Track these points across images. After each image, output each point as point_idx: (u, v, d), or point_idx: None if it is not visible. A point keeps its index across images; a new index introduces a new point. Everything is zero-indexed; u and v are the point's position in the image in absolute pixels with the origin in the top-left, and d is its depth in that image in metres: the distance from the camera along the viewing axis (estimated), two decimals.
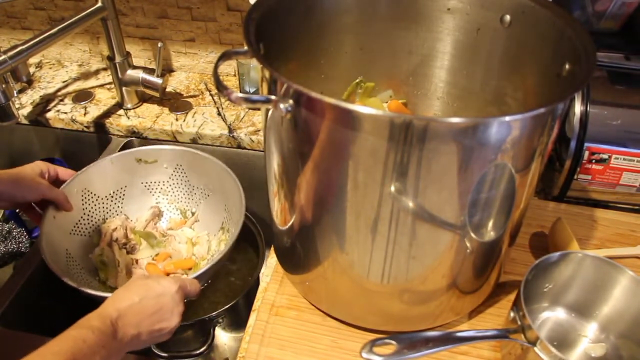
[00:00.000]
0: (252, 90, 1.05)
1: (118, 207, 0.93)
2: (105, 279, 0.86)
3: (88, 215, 0.89)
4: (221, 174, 0.87)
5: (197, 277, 0.72)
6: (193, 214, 0.96)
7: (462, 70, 0.72)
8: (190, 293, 0.67)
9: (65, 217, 0.84)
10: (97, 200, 0.90)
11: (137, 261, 0.89)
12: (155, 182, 0.95)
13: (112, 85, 1.14)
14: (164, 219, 0.96)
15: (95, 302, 0.62)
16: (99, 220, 0.91)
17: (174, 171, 0.94)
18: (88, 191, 0.88)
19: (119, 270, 0.86)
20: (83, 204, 0.88)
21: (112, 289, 0.85)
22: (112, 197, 0.92)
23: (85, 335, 0.53)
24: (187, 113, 1.07)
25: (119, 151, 1.01)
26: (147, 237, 0.91)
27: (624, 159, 0.78)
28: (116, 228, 0.90)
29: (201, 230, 0.94)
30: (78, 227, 0.87)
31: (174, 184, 0.95)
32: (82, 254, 0.86)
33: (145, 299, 0.60)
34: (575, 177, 0.81)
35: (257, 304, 0.71)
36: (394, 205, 0.51)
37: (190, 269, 0.87)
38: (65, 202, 0.82)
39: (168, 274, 0.86)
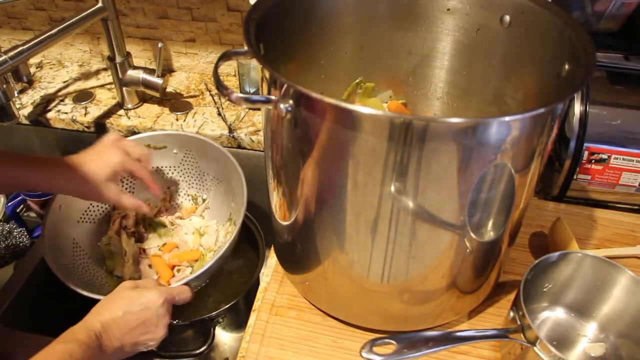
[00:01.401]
0: (252, 90, 1.05)
1: (129, 192, 0.93)
2: (112, 268, 0.86)
3: (97, 202, 0.89)
4: (228, 164, 0.87)
5: (195, 277, 0.72)
6: (204, 200, 0.96)
7: (462, 70, 0.72)
8: (179, 302, 0.68)
9: (74, 205, 0.85)
10: None
11: (144, 250, 0.89)
12: (166, 167, 0.95)
13: (113, 86, 1.14)
14: (175, 205, 0.96)
15: (94, 302, 0.63)
16: (108, 206, 0.91)
17: (184, 156, 0.94)
18: None
19: (126, 260, 0.86)
20: None
21: (118, 279, 0.85)
22: (122, 182, 0.93)
23: (72, 349, 0.54)
24: (187, 113, 1.07)
25: None
26: (156, 225, 0.92)
27: (624, 159, 0.78)
28: (126, 215, 0.90)
29: (211, 218, 0.94)
30: (87, 214, 0.87)
31: (184, 169, 0.95)
32: (90, 242, 0.87)
33: (128, 314, 0.61)
34: (575, 177, 0.81)
35: (257, 303, 0.71)
36: (394, 205, 0.51)
37: (196, 260, 0.88)
38: (139, 207, 0.79)
39: (173, 267, 0.87)
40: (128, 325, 0.61)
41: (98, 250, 0.87)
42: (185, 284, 0.72)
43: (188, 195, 0.97)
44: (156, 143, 0.92)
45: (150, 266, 0.87)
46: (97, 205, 0.89)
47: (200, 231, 0.92)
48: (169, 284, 0.82)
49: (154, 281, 0.70)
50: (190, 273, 0.85)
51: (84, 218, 0.87)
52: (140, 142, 0.91)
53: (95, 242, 0.88)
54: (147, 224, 0.92)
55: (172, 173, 0.95)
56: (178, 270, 0.87)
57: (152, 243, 0.90)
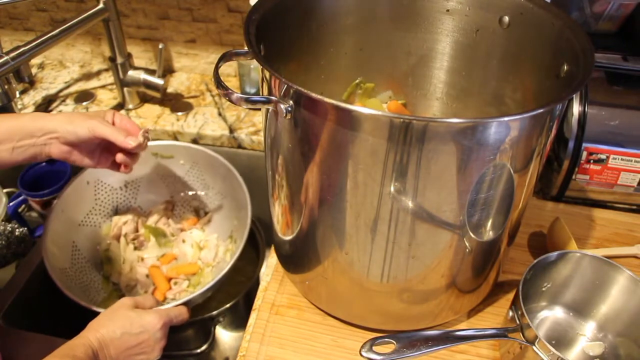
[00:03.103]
0: (252, 90, 1.06)
1: (132, 198, 0.93)
2: (109, 274, 0.86)
3: (100, 205, 0.89)
4: (234, 181, 0.87)
5: (195, 297, 0.73)
6: (206, 213, 0.96)
7: (461, 71, 0.72)
8: (177, 324, 0.69)
9: (76, 208, 0.85)
10: (110, 190, 0.91)
11: (142, 259, 0.89)
12: (171, 177, 0.95)
13: (114, 86, 1.15)
14: (177, 215, 0.96)
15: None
16: (110, 211, 0.91)
17: (190, 168, 0.94)
18: (101, 182, 0.89)
19: (124, 267, 0.86)
20: (95, 195, 0.88)
21: (114, 285, 0.85)
22: (126, 187, 0.93)
23: None
24: (188, 113, 1.07)
25: None
26: (156, 234, 0.92)
27: (622, 159, 0.78)
28: (126, 222, 0.90)
29: (211, 233, 0.94)
30: (88, 217, 0.88)
31: (190, 180, 0.95)
32: (90, 246, 0.87)
33: (126, 334, 0.62)
34: (574, 177, 0.82)
35: (257, 303, 0.72)
36: (394, 205, 0.52)
37: (194, 274, 0.88)
38: (117, 137, 0.66)
39: (170, 279, 0.87)
40: (125, 346, 0.62)
41: (97, 254, 0.87)
42: (185, 302, 0.72)
43: (190, 207, 0.97)
44: (164, 152, 0.92)
45: (147, 276, 0.87)
46: (99, 209, 0.89)
47: (200, 245, 0.92)
48: (165, 297, 0.83)
49: (153, 299, 0.71)
50: (187, 286, 0.85)
51: (85, 221, 0.87)
52: (148, 149, 0.90)
53: (95, 246, 0.88)
54: (148, 232, 0.92)
55: (177, 183, 0.95)
56: (175, 283, 0.87)
57: (151, 252, 0.90)
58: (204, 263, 0.90)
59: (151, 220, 0.93)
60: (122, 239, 0.89)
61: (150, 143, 0.91)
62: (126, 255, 0.87)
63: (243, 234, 0.80)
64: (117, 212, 0.93)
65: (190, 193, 0.96)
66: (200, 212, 0.96)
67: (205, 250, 0.91)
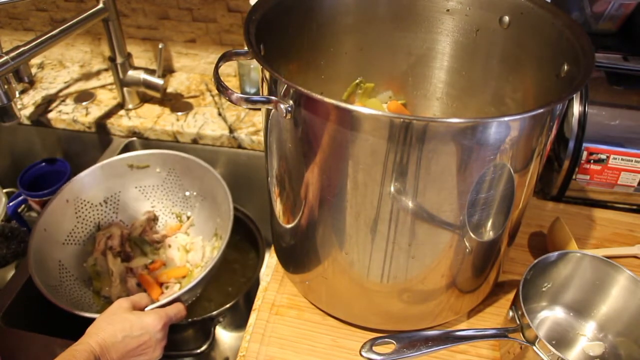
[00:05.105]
0: (252, 90, 1.06)
1: (113, 213, 0.93)
2: (99, 288, 0.86)
3: (82, 223, 0.89)
4: (212, 180, 0.87)
5: (187, 291, 0.72)
6: (188, 217, 0.96)
7: (461, 70, 0.72)
8: (176, 322, 0.69)
9: (58, 227, 0.85)
10: (90, 207, 0.90)
11: (131, 270, 0.89)
12: (149, 187, 0.95)
13: (114, 86, 1.14)
14: (159, 224, 0.96)
15: None
16: (93, 227, 0.91)
17: (167, 175, 0.94)
18: (81, 199, 0.89)
19: (113, 279, 0.86)
20: (76, 213, 0.88)
21: (105, 299, 0.85)
22: (106, 203, 0.92)
23: None
24: (187, 113, 1.07)
25: (119, 152, 1.02)
26: (142, 244, 0.92)
27: (622, 159, 0.78)
28: (110, 236, 0.90)
29: (196, 235, 0.94)
30: (72, 236, 0.87)
31: (168, 187, 0.95)
32: (76, 264, 0.86)
33: (127, 338, 0.62)
34: (574, 177, 0.82)
35: (257, 303, 0.72)
36: (394, 205, 0.51)
37: (184, 277, 0.88)
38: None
39: (161, 284, 0.87)
40: (126, 349, 0.62)
41: (84, 271, 0.87)
42: (177, 298, 0.72)
43: (172, 214, 0.97)
44: (139, 162, 0.92)
45: (138, 285, 0.87)
46: (81, 227, 0.89)
47: (186, 248, 0.92)
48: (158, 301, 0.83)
49: (148, 297, 0.71)
50: (179, 289, 0.85)
51: (69, 240, 0.86)
52: (123, 162, 0.91)
53: (81, 263, 0.87)
54: (133, 243, 0.92)
55: (156, 192, 0.95)
56: (166, 287, 0.87)
57: (139, 262, 0.90)
58: (192, 265, 0.90)
59: (135, 233, 0.93)
60: (108, 253, 0.89)
61: (123, 155, 0.92)
62: (114, 268, 0.87)
63: (227, 228, 0.79)
64: (99, 228, 0.92)
65: (170, 200, 0.96)
66: (182, 217, 0.96)
67: (192, 253, 0.91)
